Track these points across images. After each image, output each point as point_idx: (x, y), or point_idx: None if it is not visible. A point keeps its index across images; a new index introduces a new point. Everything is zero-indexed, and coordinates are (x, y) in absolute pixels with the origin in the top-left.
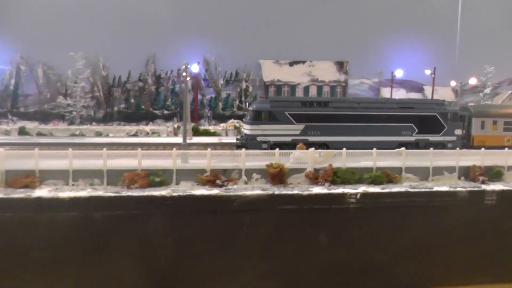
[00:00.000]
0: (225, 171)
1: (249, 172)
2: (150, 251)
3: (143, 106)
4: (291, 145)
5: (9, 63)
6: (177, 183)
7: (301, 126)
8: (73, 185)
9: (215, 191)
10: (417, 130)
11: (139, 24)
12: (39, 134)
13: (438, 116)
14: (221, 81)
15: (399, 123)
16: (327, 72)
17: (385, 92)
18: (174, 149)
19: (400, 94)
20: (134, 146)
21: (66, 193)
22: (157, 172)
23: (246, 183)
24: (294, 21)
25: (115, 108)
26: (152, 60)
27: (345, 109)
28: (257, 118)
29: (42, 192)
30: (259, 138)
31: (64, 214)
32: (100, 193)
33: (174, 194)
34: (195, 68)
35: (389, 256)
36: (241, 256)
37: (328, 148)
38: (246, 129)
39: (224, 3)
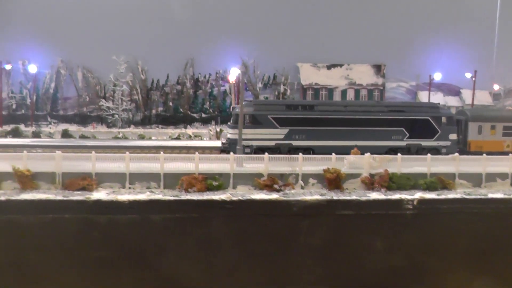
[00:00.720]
0: (282, 176)
1: (305, 177)
2: (209, 254)
3: (181, 109)
4: (275, 150)
5: (50, 66)
6: (234, 187)
7: (285, 130)
8: (129, 188)
9: (274, 196)
10: (408, 135)
11: (178, 27)
12: (82, 136)
13: (431, 120)
14: (259, 85)
15: (389, 127)
16: (364, 75)
17: (422, 96)
18: (231, 152)
19: (437, 97)
20: (180, 149)
21: (125, 196)
22: (214, 176)
23: (302, 188)
24: (332, 24)
25: (153, 111)
26: (191, 64)
27: (332, 112)
28: (237, 121)
29: (100, 194)
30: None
31: (123, 216)
32: (159, 196)
33: (234, 198)
34: (235, 71)
35: (444, 262)
36: (298, 260)
37: (314, 153)
38: (229, 133)
39: (262, 6)
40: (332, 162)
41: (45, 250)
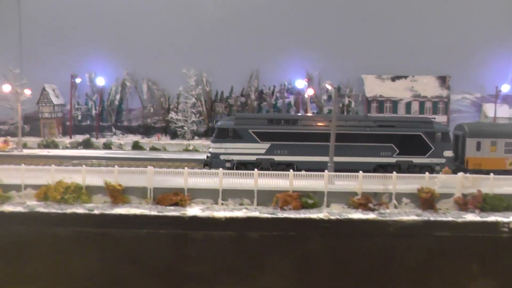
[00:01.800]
0: (375, 194)
1: (398, 196)
2: (306, 273)
3: None
4: (256, 165)
5: (115, 79)
6: (328, 205)
7: (266, 145)
8: (222, 204)
9: (371, 216)
10: (398, 151)
11: (243, 39)
12: (153, 148)
13: (423, 136)
14: (324, 97)
15: (377, 143)
16: (429, 87)
17: (488, 108)
18: (325, 170)
19: (503, 110)
20: None
21: (222, 213)
22: (308, 194)
23: (396, 207)
24: (396, 35)
25: (199, 120)
26: (256, 75)
27: (315, 127)
28: (221, 136)
29: (195, 210)
30: (222, 157)
31: (219, 233)
32: (256, 213)
33: (332, 217)
34: (300, 83)
35: None
36: (394, 282)
37: (297, 169)
38: (211, 147)
39: (327, 18)
40: (426, 181)
41: (138, 263)
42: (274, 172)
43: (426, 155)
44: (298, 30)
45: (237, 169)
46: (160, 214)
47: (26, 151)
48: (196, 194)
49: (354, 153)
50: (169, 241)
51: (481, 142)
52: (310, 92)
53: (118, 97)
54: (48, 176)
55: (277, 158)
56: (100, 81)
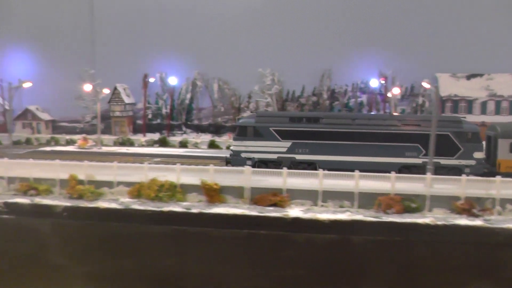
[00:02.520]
0: (478, 199)
1: (503, 202)
2: (411, 280)
3: None
4: (278, 163)
5: (186, 78)
6: (429, 210)
7: (287, 143)
8: (322, 205)
9: (478, 222)
10: (424, 152)
11: (315, 38)
12: (229, 147)
13: (452, 136)
14: (398, 96)
15: (402, 142)
16: (506, 86)
17: None
18: (428, 173)
19: None
20: None
21: (325, 215)
22: (410, 197)
23: (500, 214)
24: (471, 32)
25: None
26: (328, 74)
27: (338, 125)
28: (242, 133)
29: (296, 212)
30: (243, 155)
31: (322, 236)
32: (360, 217)
33: (438, 222)
34: (374, 83)
35: None
36: None
37: (316, 168)
38: (233, 145)
39: (400, 16)
40: None
41: (236, 264)
42: (374, 174)
43: (455, 156)
44: (371, 29)
45: (258, 167)
46: (261, 214)
47: (104, 149)
48: (294, 195)
49: (378, 153)
50: (270, 242)
51: None
52: (396, 91)
53: (188, 96)
54: (140, 173)
55: (298, 156)
56: (173, 81)
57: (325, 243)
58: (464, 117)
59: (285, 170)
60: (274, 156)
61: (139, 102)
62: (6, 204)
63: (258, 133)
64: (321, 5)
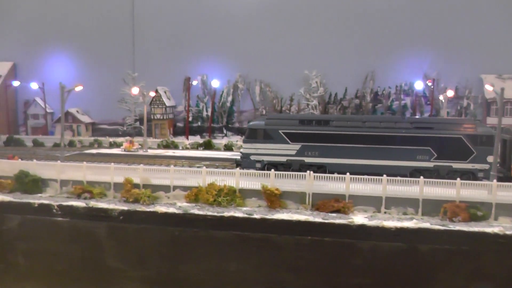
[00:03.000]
0: None
1: None
2: None
3: None
4: (287, 166)
5: (227, 81)
6: (495, 218)
7: (297, 146)
8: (385, 212)
9: None
10: (436, 155)
11: (358, 39)
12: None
13: (464, 139)
14: (442, 98)
15: (413, 146)
16: None
17: None
18: (494, 180)
19: None
20: None
21: (391, 223)
22: (475, 205)
23: None
24: None
25: None
26: (371, 77)
27: (348, 128)
28: (252, 136)
29: (361, 219)
30: (252, 157)
31: (387, 244)
32: (427, 225)
33: (507, 232)
34: (419, 85)
35: None
36: None
37: (326, 171)
38: (243, 147)
39: (444, 16)
40: None
41: (300, 272)
42: (440, 180)
43: (468, 160)
44: (415, 30)
45: (267, 169)
46: (325, 221)
47: (150, 151)
48: (356, 201)
49: (389, 156)
50: (335, 250)
51: None
52: (450, 93)
53: (229, 99)
54: (196, 177)
55: (308, 159)
56: (215, 83)
57: (391, 252)
58: (477, 120)
59: (347, 175)
60: (284, 159)
61: (180, 105)
62: (61, 207)
63: (267, 136)
64: (363, 6)
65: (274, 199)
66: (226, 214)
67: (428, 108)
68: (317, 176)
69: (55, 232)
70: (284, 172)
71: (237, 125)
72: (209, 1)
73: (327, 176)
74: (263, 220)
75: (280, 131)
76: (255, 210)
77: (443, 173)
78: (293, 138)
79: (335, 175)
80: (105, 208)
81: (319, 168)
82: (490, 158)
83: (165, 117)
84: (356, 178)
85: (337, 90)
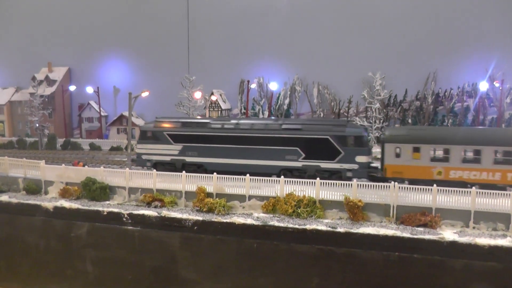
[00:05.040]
0: None
1: None
2: None
3: None
4: (172, 165)
5: (283, 83)
6: None
7: (179, 147)
8: (473, 228)
9: None
10: (304, 155)
11: (418, 38)
12: None
13: (331, 140)
14: (507, 100)
15: (282, 146)
16: None
17: None
18: None
19: None
20: None
21: (484, 240)
22: None
23: None
24: None
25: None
26: (433, 78)
27: (223, 130)
28: (142, 137)
29: (449, 234)
30: (144, 157)
31: (481, 263)
32: None
33: None
34: (483, 86)
35: None
36: None
37: (205, 170)
38: (136, 147)
39: (508, 12)
40: None
41: None
42: None
43: (335, 160)
44: (479, 28)
45: (155, 168)
46: (414, 236)
47: None
48: (443, 214)
49: (260, 156)
50: (425, 268)
51: (401, 148)
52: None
53: (286, 101)
54: (271, 186)
55: (188, 159)
56: (273, 86)
57: (485, 272)
58: (350, 120)
59: (434, 187)
60: (168, 158)
61: (235, 108)
62: (131, 215)
63: (155, 137)
64: (426, 3)
65: (357, 211)
66: (309, 227)
67: (492, 110)
68: (401, 186)
69: (125, 240)
70: (366, 182)
71: None
72: (264, 3)
73: (411, 187)
74: (347, 234)
75: (165, 133)
76: (338, 223)
77: (311, 172)
78: (176, 139)
79: (421, 186)
80: (178, 218)
81: (199, 167)
82: (359, 158)
83: None
84: (443, 190)
85: (396, 91)
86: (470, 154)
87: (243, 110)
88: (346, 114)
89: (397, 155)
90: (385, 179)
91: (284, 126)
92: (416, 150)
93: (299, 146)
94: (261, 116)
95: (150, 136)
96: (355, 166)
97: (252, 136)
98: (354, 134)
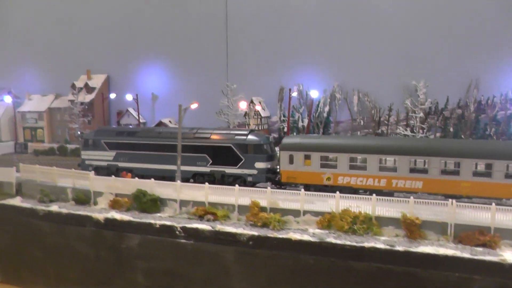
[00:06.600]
0: None
1: None
2: None
3: (462, 136)
4: (108, 169)
5: (323, 90)
6: None
7: (113, 153)
8: None
9: None
10: (211, 161)
11: (460, 44)
12: None
13: (234, 147)
14: None
15: (193, 153)
16: None
17: None
18: None
19: None
20: None
21: None
22: None
23: None
24: None
25: (429, 136)
26: (475, 85)
27: (146, 138)
28: (85, 144)
29: (510, 255)
30: (87, 162)
31: None
32: None
33: None
34: None
35: None
36: None
37: (133, 174)
38: (81, 153)
39: None
40: None
41: None
42: None
43: (237, 166)
44: None
45: (96, 172)
46: (474, 257)
47: None
48: (502, 234)
49: (176, 162)
50: None
51: (293, 156)
52: None
53: (326, 109)
54: (324, 201)
55: (120, 164)
56: (314, 94)
57: None
58: (252, 130)
59: (493, 206)
60: (105, 163)
61: (274, 115)
62: (184, 229)
63: (95, 144)
64: (469, 8)
65: (414, 229)
66: (367, 244)
67: None
68: (458, 204)
69: (178, 253)
70: (423, 200)
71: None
72: (303, 9)
73: (469, 205)
74: (407, 253)
75: (102, 141)
76: (395, 241)
77: (217, 176)
78: (111, 146)
79: (479, 204)
80: (233, 232)
81: (130, 172)
82: (258, 164)
83: (260, 128)
84: (502, 208)
85: (438, 99)
86: (357, 162)
87: (282, 118)
88: (386, 122)
89: (291, 162)
90: (280, 183)
91: (196, 135)
92: (307, 157)
93: (207, 153)
94: (300, 124)
95: (91, 143)
96: (255, 172)
97: (170, 144)
98: (253, 142)
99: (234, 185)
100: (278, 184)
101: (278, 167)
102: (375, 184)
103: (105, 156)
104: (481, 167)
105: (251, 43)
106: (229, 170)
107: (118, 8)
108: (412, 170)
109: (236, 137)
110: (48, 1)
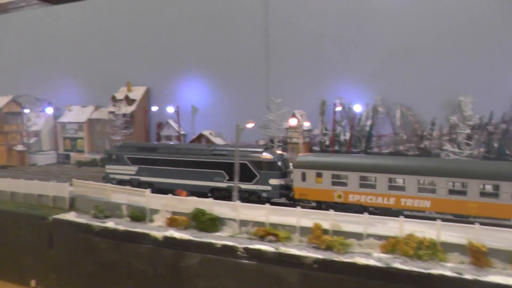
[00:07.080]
0: None
1: None
2: None
3: (506, 151)
4: (131, 183)
5: (365, 104)
6: None
7: (135, 168)
8: None
9: None
10: (228, 177)
11: (503, 58)
12: None
13: (249, 164)
14: None
15: (211, 169)
16: None
17: None
18: None
19: None
20: None
21: None
22: None
23: None
24: None
25: (475, 152)
26: None
27: (166, 154)
28: (110, 159)
29: None
30: (111, 176)
31: None
32: None
33: None
34: None
35: None
36: None
37: (154, 188)
38: (106, 168)
39: None
40: None
41: None
42: None
43: (252, 182)
44: None
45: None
46: None
47: None
48: None
49: (195, 177)
50: None
51: (306, 173)
52: None
53: (368, 122)
54: (385, 225)
55: (142, 178)
56: (357, 108)
57: None
58: (267, 146)
59: None
60: (128, 177)
61: (315, 128)
62: (247, 249)
63: (118, 159)
64: (507, 18)
65: (480, 256)
66: (434, 271)
67: None
68: None
69: (240, 274)
70: (489, 227)
71: (376, 150)
72: (345, 23)
73: None
74: (475, 282)
75: (125, 156)
76: (460, 268)
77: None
78: (133, 161)
79: None
80: (297, 254)
81: (151, 186)
82: (272, 181)
83: (301, 141)
84: None
85: (481, 113)
86: (367, 180)
87: (323, 131)
88: (429, 137)
89: (303, 179)
90: (294, 200)
91: (213, 152)
92: (319, 175)
93: (224, 169)
94: (342, 137)
95: (115, 158)
96: (269, 188)
97: (189, 160)
98: (267, 160)
99: (249, 200)
100: (292, 200)
101: (292, 183)
102: (384, 202)
103: (128, 171)
104: (487, 187)
105: (292, 57)
106: (245, 186)
107: (158, 22)
108: (421, 190)
109: (251, 154)
110: (89, 16)
